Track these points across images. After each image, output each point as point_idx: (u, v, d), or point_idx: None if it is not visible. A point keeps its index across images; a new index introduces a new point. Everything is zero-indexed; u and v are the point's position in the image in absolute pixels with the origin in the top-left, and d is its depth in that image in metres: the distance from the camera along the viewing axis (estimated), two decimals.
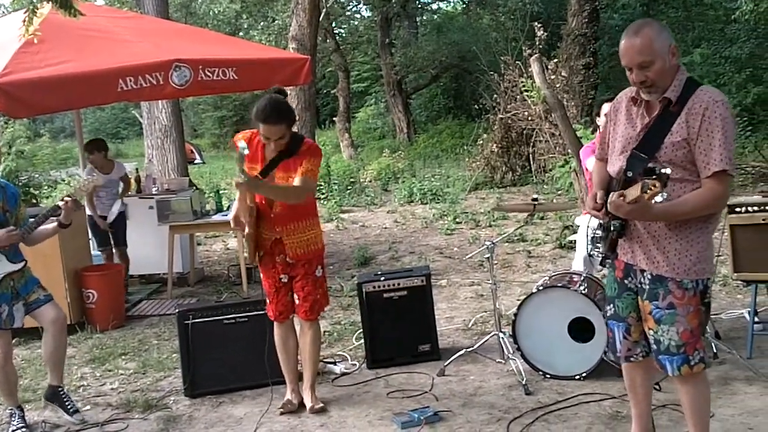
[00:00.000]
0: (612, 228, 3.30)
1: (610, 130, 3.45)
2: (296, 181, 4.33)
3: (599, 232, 3.46)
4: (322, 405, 4.62)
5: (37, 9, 5.46)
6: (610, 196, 3.14)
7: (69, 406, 4.81)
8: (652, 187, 2.81)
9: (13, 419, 4.69)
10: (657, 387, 4.30)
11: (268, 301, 4.67)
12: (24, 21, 5.45)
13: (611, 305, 3.47)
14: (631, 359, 3.46)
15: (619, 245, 3.36)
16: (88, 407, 5.02)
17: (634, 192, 2.94)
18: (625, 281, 3.38)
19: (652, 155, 3.13)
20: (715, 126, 3.04)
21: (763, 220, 4.62)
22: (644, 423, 3.65)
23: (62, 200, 4.56)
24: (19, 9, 5.95)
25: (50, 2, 5.31)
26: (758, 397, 4.21)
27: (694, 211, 3.10)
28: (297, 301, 4.59)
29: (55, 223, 4.70)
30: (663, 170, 2.82)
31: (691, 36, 17.71)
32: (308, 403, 4.63)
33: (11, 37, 6.55)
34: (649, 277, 3.24)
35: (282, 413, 4.61)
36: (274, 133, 4.25)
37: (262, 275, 4.66)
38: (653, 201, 2.91)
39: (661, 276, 3.20)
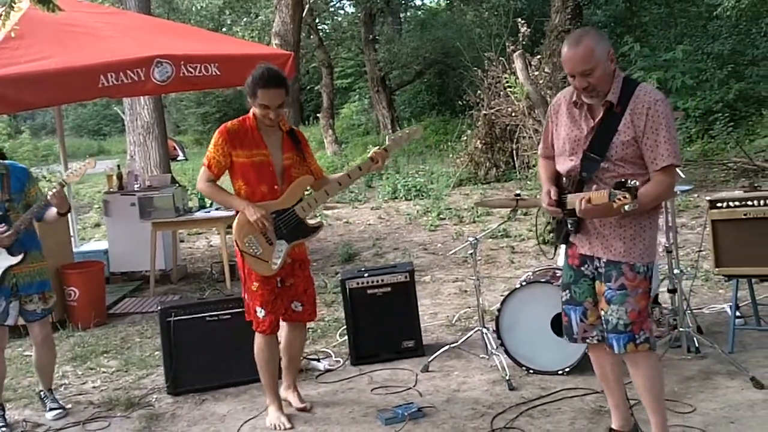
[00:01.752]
0: (569, 224, 3.49)
1: (552, 129, 3.63)
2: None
3: (553, 224, 3.67)
4: (307, 404, 4.57)
5: (15, 3, 5.39)
6: (573, 199, 3.36)
7: (49, 405, 4.82)
8: (622, 198, 3.06)
9: None
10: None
11: (261, 314, 4.29)
12: (1, 15, 5.39)
13: (567, 291, 3.64)
14: (587, 340, 3.63)
15: (575, 238, 3.53)
16: (69, 406, 4.98)
17: (600, 198, 3.20)
18: (582, 268, 3.56)
19: (603, 155, 3.35)
20: (659, 124, 3.27)
21: (744, 215, 4.65)
22: (622, 412, 3.74)
23: (50, 192, 4.45)
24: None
25: None
26: (740, 392, 4.24)
27: (651, 204, 3.35)
28: (299, 308, 4.39)
29: (54, 212, 4.61)
30: (632, 183, 3.07)
31: (673, 32, 17.78)
32: (297, 404, 4.55)
33: None
34: (605, 261, 3.43)
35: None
36: (276, 99, 4.05)
37: (257, 284, 4.26)
38: (622, 209, 3.10)
39: (617, 260, 3.40)
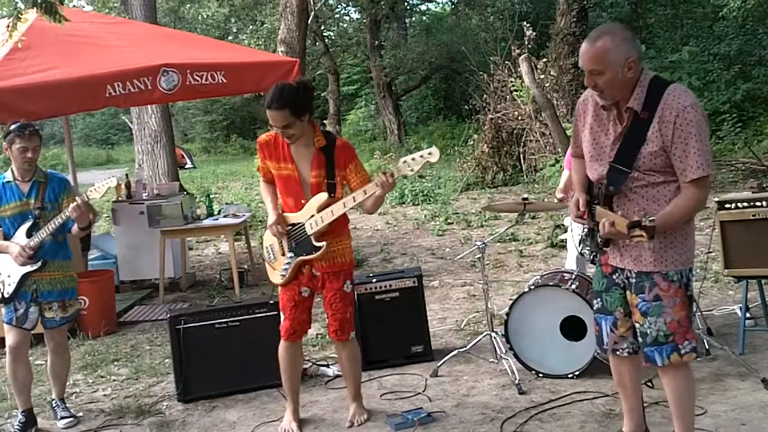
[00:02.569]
0: (598, 238, 3.31)
1: (580, 127, 3.47)
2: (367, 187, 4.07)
3: (585, 233, 3.49)
4: (365, 417, 4.47)
5: (22, 15, 5.42)
6: (601, 215, 3.19)
7: (60, 414, 4.84)
8: (640, 237, 2.89)
9: (13, 422, 4.75)
10: (650, 384, 4.31)
11: (281, 318, 4.39)
12: (8, 26, 5.42)
13: (598, 299, 3.52)
14: (617, 352, 3.51)
15: (606, 249, 3.40)
16: (80, 414, 4.99)
17: (621, 226, 2.99)
18: (613, 276, 3.43)
19: (630, 167, 3.18)
20: (688, 133, 3.07)
21: (753, 216, 4.63)
22: (636, 418, 3.66)
23: (71, 206, 4.45)
24: (5, 16, 5.92)
25: (35, 8, 5.28)
26: (750, 393, 4.22)
27: (682, 220, 3.17)
28: (329, 320, 4.38)
29: (77, 226, 4.63)
30: (648, 222, 2.86)
31: (679, 34, 17.77)
32: (350, 415, 4.49)
33: None
34: (636, 271, 3.29)
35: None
36: (276, 120, 4.01)
37: (280, 290, 4.37)
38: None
39: (647, 270, 3.25)
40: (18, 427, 4.70)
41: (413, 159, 3.99)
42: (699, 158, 3.07)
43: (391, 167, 4.12)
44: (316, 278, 4.29)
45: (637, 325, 3.34)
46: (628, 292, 3.37)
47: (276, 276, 4.32)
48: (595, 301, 3.56)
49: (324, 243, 4.17)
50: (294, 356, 4.46)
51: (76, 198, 4.51)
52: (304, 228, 4.19)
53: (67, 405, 4.95)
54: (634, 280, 3.31)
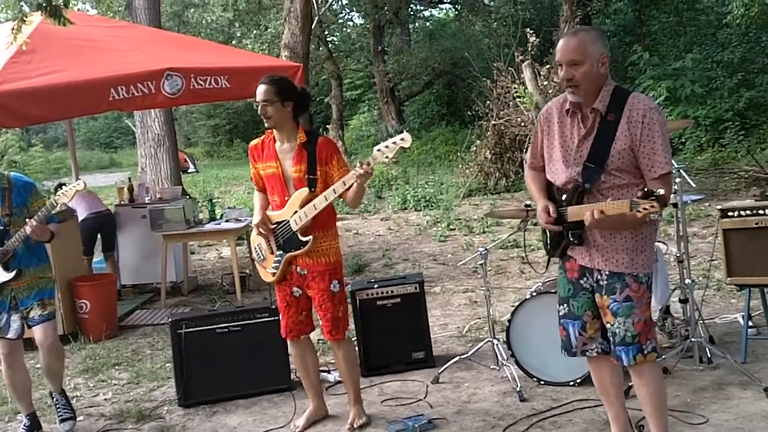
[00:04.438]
0: (572, 237, 3.45)
1: (543, 139, 3.59)
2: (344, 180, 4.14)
3: (550, 241, 3.61)
4: (363, 420, 4.48)
5: (27, 17, 5.43)
6: (579, 211, 3.30)
7: (60, 414, 4.80)
8: (649, 207, 2.99)
9: (18, 427, 4.77)
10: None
11: (280, 317, 4.52)
12: (13, 29, 5.43)
13: (564, 305, 3.61)
14: (587, 353, 3.60)
15: (574, 250, 3.50)
16: (81, 418, 4.99)
17: (616, 209, 3.14)
18: (581, 281, 3.53)
19: (602, 165, 3.33)
20: (655, 131, 3.27)
21: (756, 224, 4.62)
22: (621, 423, 3.70)
23: (29, 227, 4.42)
24: (10, 19, 5.92)
25: (40, 11, 5.29)
26: (753, 402, 4.21)
27: None
28: (321, 322, 4.43)
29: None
30: (658, 192, 2.99)
31: (683, 41, 17.77)
32: (350, 419, 4.50)
33: (1, 47, 6.53)
34: (607, 273, 3.41)
35: (305, 425, 4.52)
36: (259, 93, 4.21)
37: (275, 289, 4.48)
38: (648, 218, 3.11)
39: (620, 272, 3.38)
40: (23, 430, 4.70)
41: (386, 146, 4.12)
42: (665, 155, 3.27)
43: (367, 157, 4.19)
44: (303, 277, 4.34)
45: (608, 326, 3.46)
46: (597, 295, 3.48)
47: (267, 274, 4.43)
48: (560, 307, 3.64)
49: (310, 237, 4.25)
50: (302, 354, 4.55)
51: (30, 219, 4.43)
52: (289, 224, 4.26)
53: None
54: (605, 282, 3.42)
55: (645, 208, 3.00)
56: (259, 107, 4.24)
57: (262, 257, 4.43)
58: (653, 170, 3.27)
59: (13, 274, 4.56)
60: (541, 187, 3.61)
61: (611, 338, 3.45)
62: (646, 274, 3.41)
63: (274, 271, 4.35)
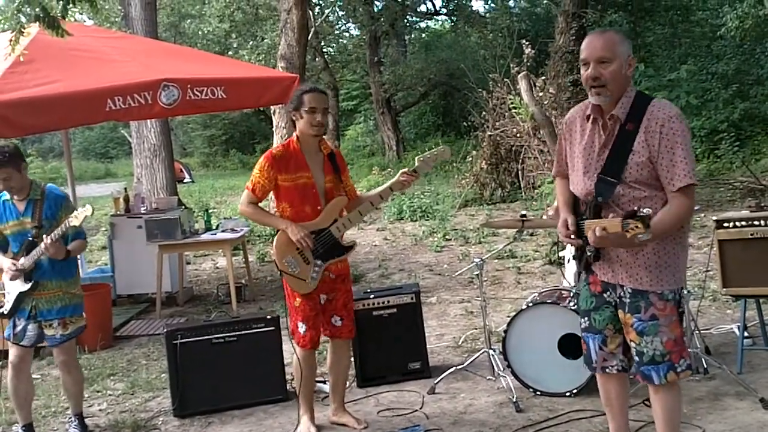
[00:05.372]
0: (588, 252, 3.34)
1: (566, 147, 3.51)
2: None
3: (573, 254, 3.51)
4: (363, 423, 4.58)
5: (25, 28, 5.43)
6: (588, 226, 3.18)
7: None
8: (635, 228, 2.90)
9: None
10: (647, 403, 4.29)
11: (303, 329, 4.37)
12: (11, 40, 5.43)
13: (586, 318, 3.51)
14: (606, 370, 3.50)
15: (597, 265, 3.40)
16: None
17: (614, 227, 3.00)
18: (604, 295, 3.42)
19: (618, 178, 3.19)
20: (674, 142, 3.11)
21: (752, 235, 4.63)
22: None
23: (44, 243, 4.47)
24: (8, 30, 5.92)
25: (38, 22, 5.29)
26: (749, 413, 4.21)
27: (671, 229, 3.16)
28: (339, 323, 4.46)
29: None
30: (644, 212, 2.90)
31: (677, 52, 17.86)
32: (355, 424, 4.55)
33: None
34: (630, 290, 3.29)
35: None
36: (321, 101, 4.28)
37: (299, 300, 4.36)
38: (636, 239, 2.96)
39: (644, 290, 3.25)
40: None
41: (430, 156, 4.39)
42: (686, 167, 3.10)
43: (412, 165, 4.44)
44: (332, 282, 4.42)
45: (632, 345, 3.33)
46: (620, 311, 3.36)
47: (304, 285, 4.33)
48: (582, 320, 3.54)
49: (354, 241, 4.41)
50: (314, 365, 4.61)
51: (46, 236, 4.47)
52: (330, 233, 4.31)
53: (62, 420, 4.94)
54: (628, 300, 3.30)
55: (632, 228, 2.90)
56: (318, 115, 4.27)
57: (296, 269, 4.32)
58: (673, 183, 3.12)
59: (29, 285, 4.58)
60: (567, 200, 3.49)
61: (637, 357, 3.32)
62: (673, 290, 3.26)
63: (315, 279, 4.32)
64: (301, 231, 4.24)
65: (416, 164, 4.38)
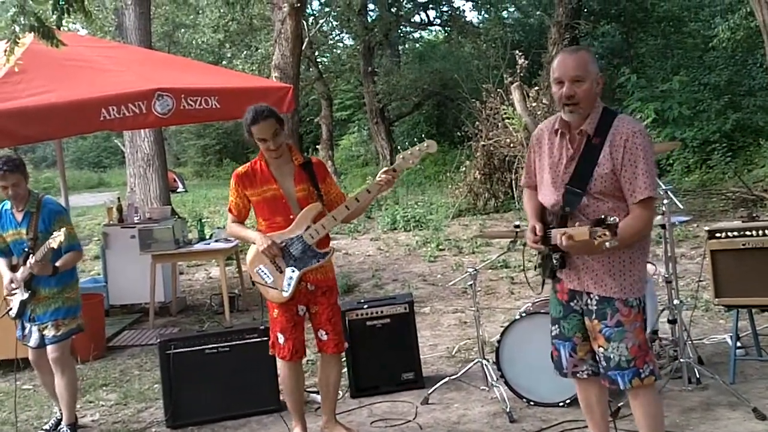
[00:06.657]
0: (554, 260, 3.45)
1: (534, 159, 3.61)
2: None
3: (538, 261, 3.62)
4: None
5: (19, 39, 5.43)
6: (555, 235, 3.32)
7: None
8: (603, 236, 3.02)
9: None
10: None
11: (281, 340, 4.37)
12: (5, 51, 5.43)
13: (556, 325, 3.62)
14: (578, 375, 3.59)
15: (563, 273, 3.50)
16: None
17: (581, 235, 3.14)
18: (571, 303, 3.53)
19: (584, 189, 3.32)
20: (637, 156, 3.24)
21: (744, 245, 4.65)
22: None
23: (30, 262, 4.70)
24: (2, 39, 5.92)
25: (33, 32, 5.29)
26: (741, 423, 4.22)
27: (632, 239, 3.28)
28: (324, 337, 4.40)
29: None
30: (612, 220, 3.02)
31: (670, 63, 17.94)
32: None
33: None
34: (597, 298, 3.40)
35: None
36: (266, 130, 4.20)
37: (276, 311, 4.36)
38: (603, 246, 3.07)
39: (609, 297, 3.36)
40: (53, 422, 5.08)
41: (411, 153, 4.30)
42: (647, 180, 3.23)
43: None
44: (311, 294, 4.36)
45: (600, 350, 3.43)
46: (586, 319, 3.46)
47: (278, 294, 4.31)
48: (552, 328, 3.65)
49: (330, 248, 4.34)
50: (298, 377, 4.53)
51: (32, 255, 4.69)
52: (302, 239, 4.26)
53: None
54: (594, 307, 3.41)
55: (600, 236, 3.02)
56: (270, 143, 4.22)
57: (269, 279, 4.31)
58: (634, 195, 3.25)
59: (27, 294, 4.82)
60: (534, 208, 3.60)
61: (604, 362, 3.41)
62: (637, 298, 3.38)
63: (289, 288, 4.28)
64: (267, 240, 4.23)
65: (396, 161, 4.36)
